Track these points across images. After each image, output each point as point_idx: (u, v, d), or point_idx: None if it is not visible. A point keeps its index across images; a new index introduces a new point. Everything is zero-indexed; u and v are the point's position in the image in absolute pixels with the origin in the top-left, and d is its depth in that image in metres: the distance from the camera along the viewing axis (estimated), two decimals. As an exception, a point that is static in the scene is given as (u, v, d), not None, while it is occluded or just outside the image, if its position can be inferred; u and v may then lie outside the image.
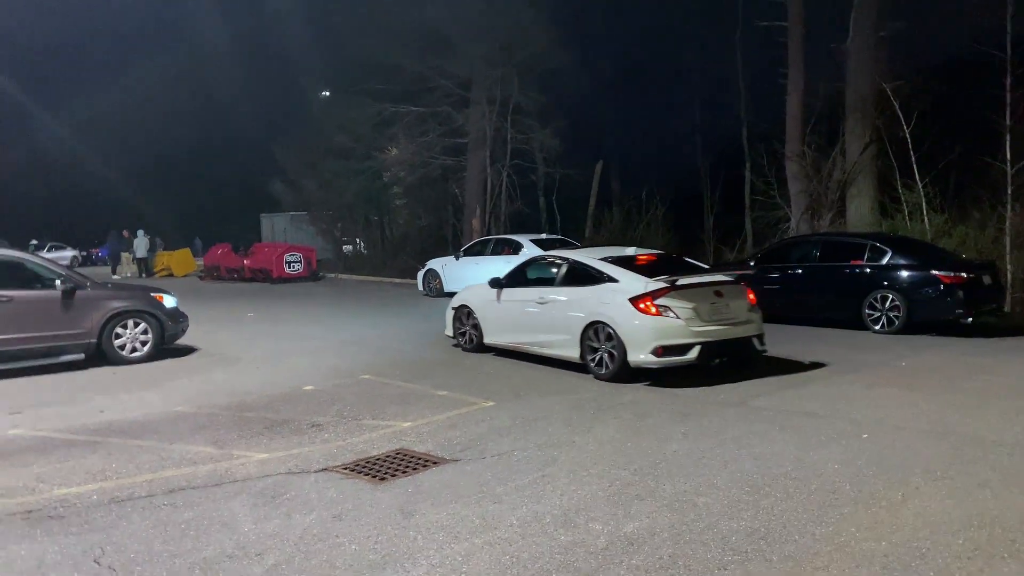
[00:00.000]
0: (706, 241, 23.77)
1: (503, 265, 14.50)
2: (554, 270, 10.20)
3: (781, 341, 11.55)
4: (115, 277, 30.50)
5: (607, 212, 24.53)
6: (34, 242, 45.35)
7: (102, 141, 55.76)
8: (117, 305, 10.57)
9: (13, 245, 26.86)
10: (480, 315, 10.96)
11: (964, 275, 11.76)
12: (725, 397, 8.01)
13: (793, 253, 13.98)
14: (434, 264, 19.90)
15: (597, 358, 9.06)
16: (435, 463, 6.04)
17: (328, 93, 31.08)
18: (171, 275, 30.68)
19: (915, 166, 16.76)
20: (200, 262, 31.19)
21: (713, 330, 8.74)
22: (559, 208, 26.65)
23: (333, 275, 28.22)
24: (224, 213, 51.48)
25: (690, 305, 8.65)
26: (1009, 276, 14.26)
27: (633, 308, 8.67)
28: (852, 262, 12.66)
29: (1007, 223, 14.87)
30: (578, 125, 25.77)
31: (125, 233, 32.62)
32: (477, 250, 18.95)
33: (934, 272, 11.88)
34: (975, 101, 16.37)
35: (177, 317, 11.27)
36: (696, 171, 26.01)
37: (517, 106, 24.45)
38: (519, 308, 10.27)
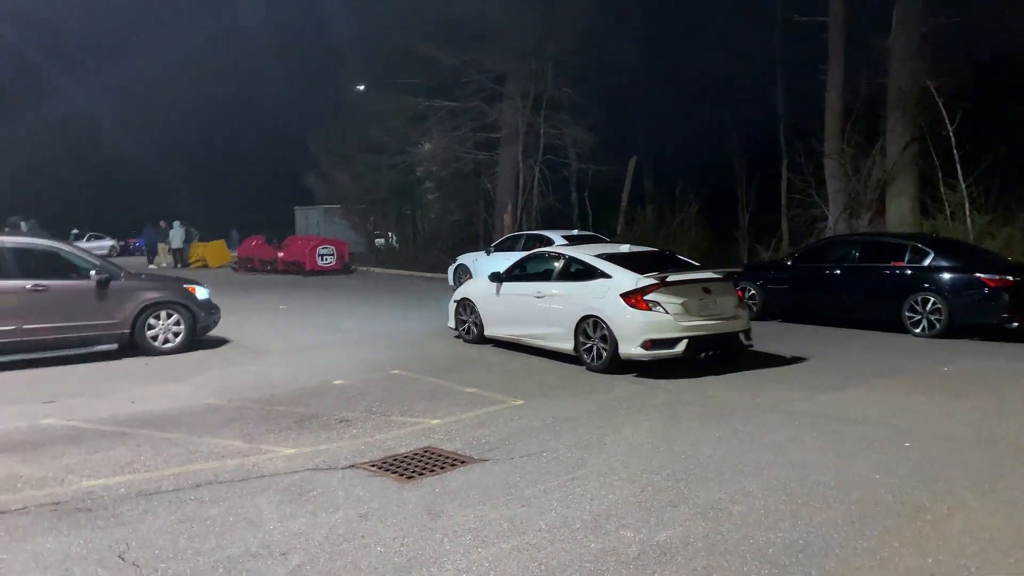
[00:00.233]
0: (740, 240, 23.44)
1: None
2: (551, 265, 10.57)
3: (818, 343, 11.33)
4: (151, 267, 30.92)
5: (640, 209, 24.31)
6: (75, 231, 46.25)
7: (140, 132, 56.57)
8: (150, 296, 10.63)
9: (54, 235, 27.31)
10: (481, 308, 11.36)
11: (1011, 278, 11.39)
12: (761, 401, 7.82)
13: (831, 253, 13.66)
14: (465, 259, 19.84)
15: (590, 350, 9.43)
16: (463, 462, 5.95)
17: (363, 87, 31.15)
18: (206, 266, 31.01)
19: (958, 165, 16.32)
20: (234, 253, 31.47)
21: (700, 325, 9.09)
22: (591, 204, 26.46)
23: (365, 268, 28.32)
24: (259, 205, 51.94)
25: (678, 301, 9.02)
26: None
27: (624, 303, 9.03)
28: (892, 263, 12.34)
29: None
30: (612, 120, 25.54)
31: (162, 224, 33.04)
32: (508, 245, 18.84)
33: (979, 275, 11.51)
34: (1022, 98, 15.89)
35: (209, 308, 11.31)
36: (731, 168, 25.62)
37: (551, 101, 24.30)
38: (518, 302, 10.65)
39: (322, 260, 25.97)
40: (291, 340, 12.22)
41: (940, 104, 16.33)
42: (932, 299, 11.63)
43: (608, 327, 9.14)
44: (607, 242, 18.53)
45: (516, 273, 11.13)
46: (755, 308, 13.66)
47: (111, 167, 57.15)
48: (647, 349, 8.90)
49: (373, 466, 5.88)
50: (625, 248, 10.68)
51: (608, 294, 9.25)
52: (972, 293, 11.48)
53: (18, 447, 6.32)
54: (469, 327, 11.61)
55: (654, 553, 4.24)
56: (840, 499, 5.03)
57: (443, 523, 4.73)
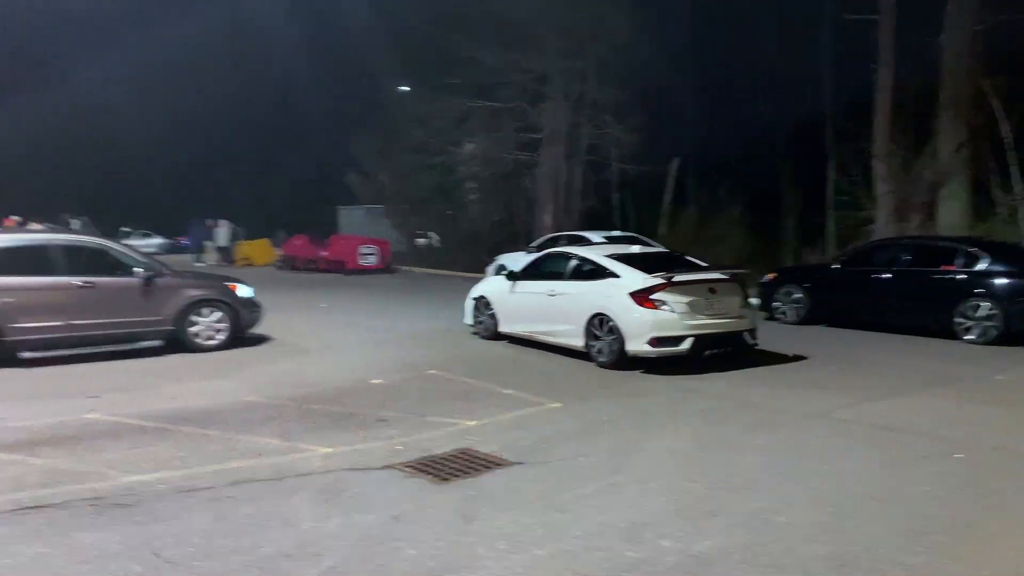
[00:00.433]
0: (786, 242, 23.02)
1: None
2: (563, 265, 10.83)
3: (866, 349, 11.05)
4: (198, 265, 31.43)
5: (682, 210, 24.02)
6: (125, 229, 47.29)
7: (189, 132, 57.75)
8: (194, 293, 10.77)
9: (105, 232, 27.88)
10: (496, 305, 11.75)
11: (1070, 284, 10.97)
12: (806, 408, 7.61)
13: (879, 256, 13.28)
14: (504, 259, 19.80)
15: (599, 347, 9.72)
16: (499, 465, 5.89)
17: (406, 88, 31.34)
18: (251, 264, 31.43)
19: (1014, 167, 15.79)
20: (279, 252, 31.86)
21: (706, 323, 9.36)
22: (633, 205, 26.23)
23: (406, 268, 28.46)
24: (304, 205, 52.62)
25: (685, 300, 9.28)
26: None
27: (632, 302, 9.31)
28: (944, 267, 11.95)
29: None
30: (655, 121, 25.23)
31: (208, 222, 33.58)
32: (548, 246, 18.72)
33: (1036, 280, 11.11)
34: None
35: (251, 306, 11.42)
36: (776, 170, 25.18)
37: (593, 101, 24.16)
38: (531, 300, 11.00)
39: (364, 259, 26.15)
40: (331, 338, 12.29)
41: (995, 104, 15.81)
42: (986, 305, 11.24)
43: (616, 325, 9.42)
44: (648, 244, 18.34)
45: (530, 272, 11.46)
46: (800, 312, 13.38)
47: (161, 166, 58.38)
48: (653, 346, 9.18)
49: (408, 467, 5.85)
50: (636, 248, 11.00)
51: (617, 293, 9.53)
52: (1029, 299, 11.08)
53: (62, 441, 6.42)
54: (485, 323, 11.99)
55: (692, 564, 4.13)
56: (887, 512, 4.86)
57: (477, 527, 4.67)
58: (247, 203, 52.27)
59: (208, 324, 10.84)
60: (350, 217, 38.16)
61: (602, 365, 9.63)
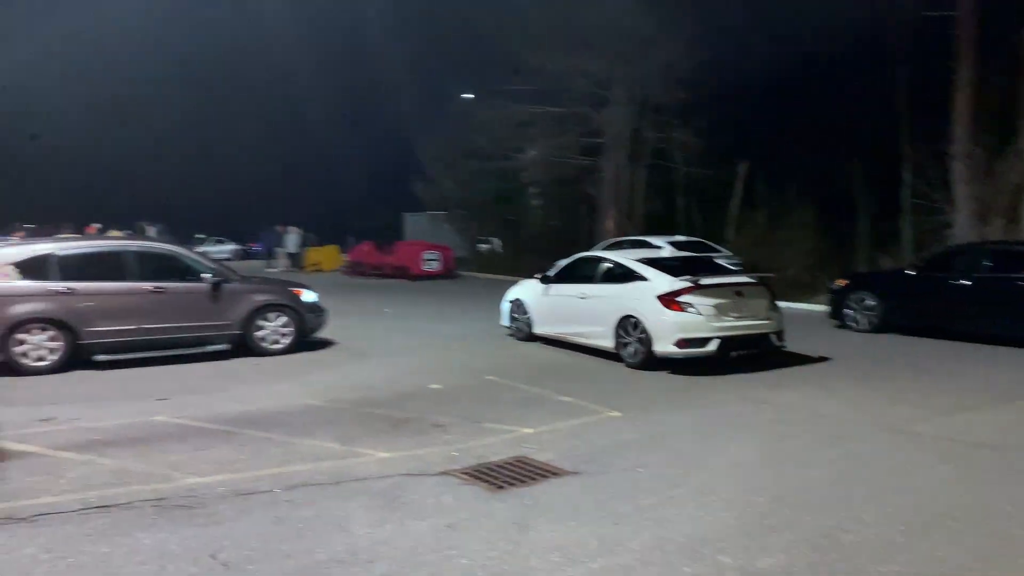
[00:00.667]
0: (859, 247, 22.26)
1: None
2: (594, 269, 11.19)
3: (945, 359, 10.57)
4: (270, 270, 32.16)
5: (750, 214, 23.47)
6: (200, 236, 48.85)
7: (264, 143, 59.45)
8: (260, 299, 10.98)
9: (181, 239, 28.71)
10: (531, 308, 12.20)
11: None
12: (880, 420, 7.30)
13: (958, 262, 12.69)
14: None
15: (628, 348, 10.05)
16: (555, 474, 5.79)
17: (470, 96, 31.54)
18: (320, 270, 32.04)
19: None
20: (346, 258, 32.41)
21: (732, 325, 9.63)
22: (699, 210, 25.76)
23: (468, 273, 28.58)
24: (372, 211, 53.57)
25: (711, 302, 9.55)
26: None
27: (660, 304, 9.62)
28: (1029, 273, 11.36)
29: None
30: (721, 123, 24.73)
31: (279, 229, 34.36)
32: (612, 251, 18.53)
33: None
34: None
35: (316, 311, 11.59)
36: (848, 172, 24.38)
37: (657, 104, 23.82)
38: (564, 302, 11.40)
39: (427, 265, 26.38)
40: (392, 343, 12.39)
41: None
42: (1075, 313, 10.63)
43: (645, 326, 9.74)
44: (714, 249, 18.01)
45: (563, 275, 11.81)
46: (874, 319, 12.89)
47: (238, 175, 60.22)
48: (680, 348, 9.47)
49: (464, 474, 5.81)
50: (666, 253, 11.52)
51: (645, 296, 9.85)
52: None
53: (131, 442, 6.59)
54: (520, 325, 12.44)
55: (754, 583, 3.96)
56: (965, 532, 4.59)
57: (531, 537, 4.59)
58: (319, 210, 53.51)
59: (273, 328, 11.03)
60: (415, 223, 38.58)
61: (631, 366, 9.96)
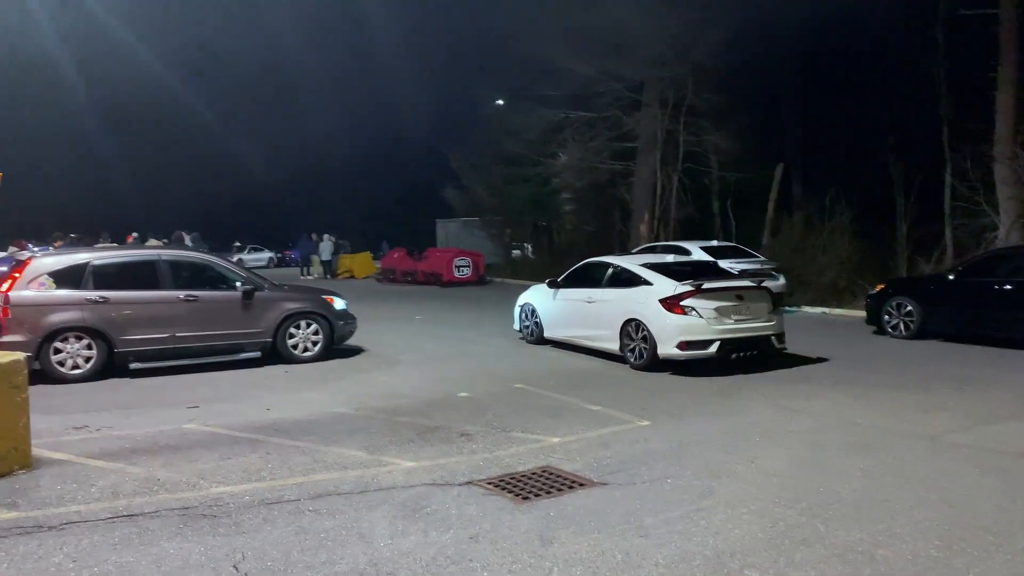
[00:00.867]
0: (899, 251, 21.78)
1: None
2: (601, 273, 11.52)
3: (986, 366, 10.28)
4: (306, 278, 32.48)
5: (786, 218, 23.10)
6: (236, 244, 49.59)
7: (299, 153, 60.21)
8: (291, 306, 11.07)
9: (218, 247, 29.02)
10: (541, 312, 12.61)
11: None
12: (916, 429, 7.10)
13: (1002, 266, 12.34)
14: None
15: (633, 350, 10.40)
16: (582, 484, 5.72)
17: (502, 101, 31.59)
18: (352, 277, 32.30)
19: None
20: (379, 265, 32.62)
21: (732, 328, 9.95)
22: (734, 213, 25.43)
23: (500, 279, 28.56)
24: (405, 218, 54.00)
25: (712, 306, 9.88)
26: None
27: (663, 308, 9.95)
28: (1075, 278, 11.00)
29: None
30: (756, 126, 24.43)
31: (313, 236, 34.72)
32: (642, 257, 18.37)
33: None
34: None
35: (346, 318, 11.65)
36: (887, 175, 23.90)
37: (690, 107, 23.58)
38: (572, 306, 11.77)
39: (459, 272, 26.43)
40: (422, 350, 12.40)
41: None
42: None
43: (648, 329, 10.10)
44: (749, 254, 17.76)
45: (571, 280, 12.17)
46: (912, 325, 12.59)
47: (274, 185, 61.13)
48: (682, 350, 9.81)
49: (490, 484, 5.76)
50: (670, 258, 11.95)
51: (649, 300, 10.20)
52: None
53: (160, 450, 6.65)
54: (531, 329, 12.85)
55: (781, 599, 3.86)
56: (1004, 547, 4.42)
57: (554, 550, 4.52)
58: (353, 218, 54.07)
59: (304, 336, 11.11)
60: (447, 230, 38.74)
61: (636, 367, 10.30)
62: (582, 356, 11.52)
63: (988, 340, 11.63)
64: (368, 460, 6.37)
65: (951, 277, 12.56)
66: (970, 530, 4.69)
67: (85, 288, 9.87)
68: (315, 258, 34.51)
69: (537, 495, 5.50)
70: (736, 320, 10.03)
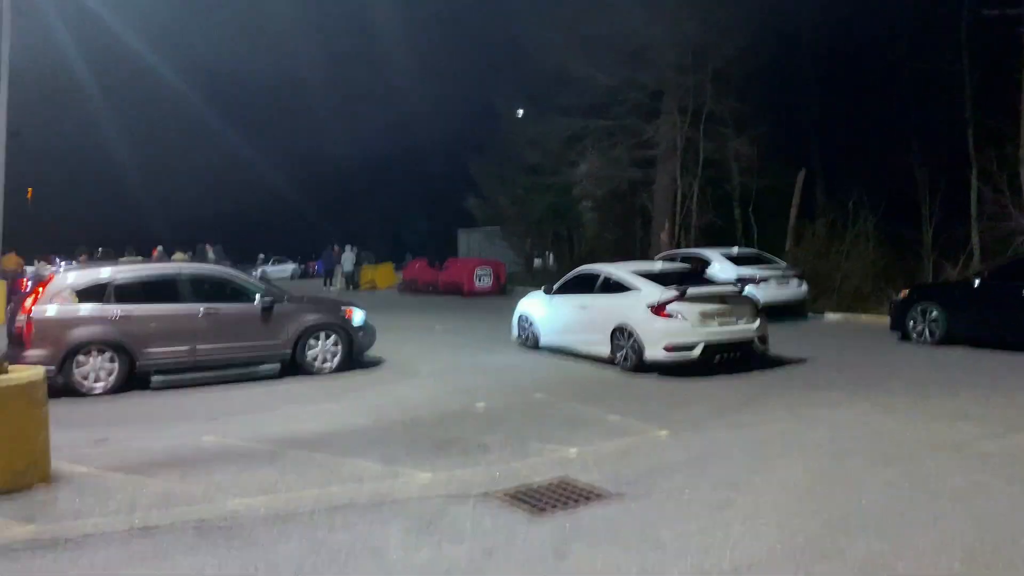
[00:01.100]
0: (924, 255, 21.46)
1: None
2: (593, 280, 11.97)
3: (1014, 373, 10.06)
4: (330, 289, 32.63)
5: (809, 224, 22.87)
6: (261, 256, 50.00)
7: (325, 165, 60.83)
8: (310, 319, 11.11)
9: (244, 259, 29.16)
10: (537, 319, 13.05)
11: None
12: (942, 439, 6.96)
13: (1028, 271, 12.13)
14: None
15: (622, 354, 10.84)
16: (598, 497, 5.66)
17: (521, 111, 31.64)
18: (375, 288, 32.42)
19: None
20: (400, 276, 32.73)
21: (716, 331, 10.42)
22: (756, 220, 25.21)
23: (522, 288, 28.48)
24: (429, 229, 54.31)
25: (696, 310, 10.37)
26: None
27: (649, 313, 10.45)
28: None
29: None
30: (778, 132, 24.22)
31: (335, 248, 34.89)
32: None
33: None
34: None
35: (365, 330, 11.66)
36: (912, 178, 23.59)
37: (710, 114, 23.43)
38: (565, 313, 12.31)
39: (479, 281, 26.44)
40: (441, 361, 12.40)
41: None
42: None
43: (636, 333, 10.56)
44: (772, 261, 17.60)
45: (565, 288, 12.63)
46: (938, 332, 12.37)
47: (299, 197, 61.71)
48: (668, 352, 10.26)
49: (506, 496, 5.71)
50: (658, 265, 12.57)
51: (637, 305, 10.69)
52: None
53: (178, 464, 6.68)
54: (528, 336, 13.26)
55: (799, 615, 3.77)
56: (1033, 562, 4.30)
57: (568, 565, 4.47)
58: (377, 229, 54.43)
59: (324, 348, 11.14)
60: (469, 239, 38.80)
61: (624, 369, 10.76)
62: (600, 365, 11.43)
63: (1015, 346, 11.38)
64: (384, 472, 6.35)
65: (977, 282, 12.34)
66: (997, 544, 4.57)
67: (107, 303, 9.97)
68: (338, 269, 34.67)
69: (553, 508, 5.45)
70: (719, 324, 10.50)
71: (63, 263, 16.05)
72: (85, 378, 9.75)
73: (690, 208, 24.07)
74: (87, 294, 9.94)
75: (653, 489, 5.78)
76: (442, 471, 6.36)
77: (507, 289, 27.68)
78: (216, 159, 59.31)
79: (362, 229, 50.44)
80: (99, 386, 9.79)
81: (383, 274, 33.55)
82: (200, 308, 10.37)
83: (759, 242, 23.37)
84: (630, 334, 10.66)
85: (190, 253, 24.23)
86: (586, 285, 12.06)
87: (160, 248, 24.54)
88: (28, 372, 6.06)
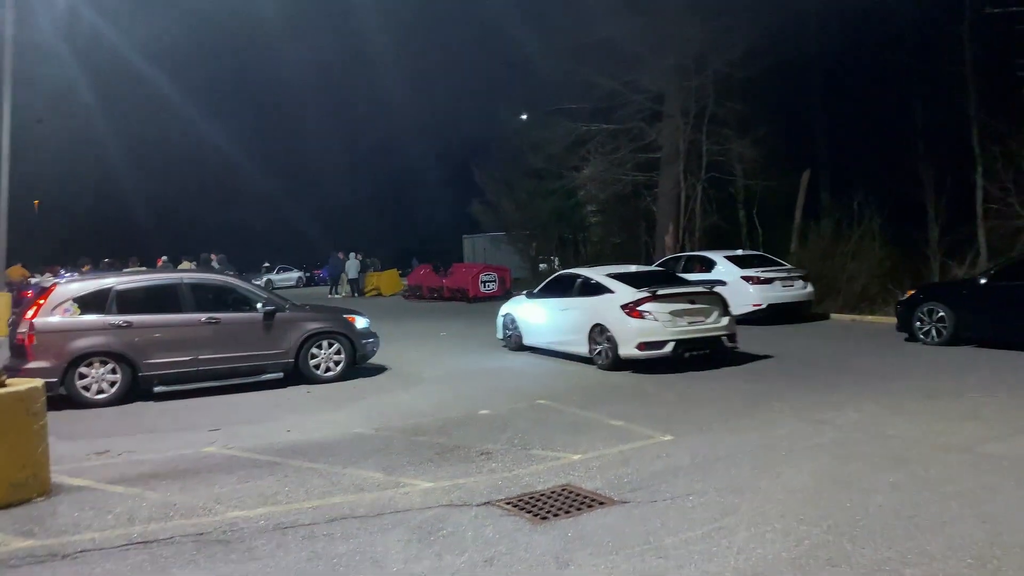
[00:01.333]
0: (930, 255, 21.34)
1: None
2: (571, 283, 12.55)
3: (1022, 372, 9.94)
4: (334, 296, 32.59)
5: (814, 225, 22.77)
6: (266, 264, 50.08)
7: (331, 174, 60.97)
8: (312, 326, 11.07)
9: (248, 267, 29.00)
10: (520, 321, 13.56)
11: None
12: (949, 441, 6.87)
13: (1036, 269, 12.01)
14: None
15: (599, 352, 11.40)
16: (601, 503, 5.59)
17: (525, 116, 31.64)
18: (380, 294, 32.40)
19: None
20: (405, 282, 32.69)
21: (685, 330, 10.97)
22: (760, 221, 25.11)
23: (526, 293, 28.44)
24: (435, 235, 54.35)
25: (667, 310, 10.92)
26: None
27: (623, 313, 10.96)
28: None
29: None
30: (781, 133, 24.13)
31: (340, 255, 34.90)
32: (668, 267, 18.16)
33: None
34: None
35: (368, 337, 11.62)
36: (917, 178, 23.46)
37: (713, 116, 23.37)
38: (546, 314, 12.82)
39: (484, 287, 26.38)
40: (445, 367, 12.35)
41: None
42: None
43: (611, 332, 11.10)
44: (776, 262, 17.51)
45: (546, 291, 13.25)
46: (945, 332, 12.26)
47: (306, 205, 61.87)
48: (641, 350, 10.80)
49: (508, 504, 5.66)
50: (633, 268, 13.15)
51: (612, 306, 11.20)
52: None
53: (179, 475, 6.64)
54: (512, 337, 13.73)
55: (804, 624, 3.70)
56: (1043, 566, 4.22)
57: (570, 573, 4.40)
58: (383, 236, 54.49)
59: (326, 356, 11.10)
60: (474, 245, 38.78)
61: (601, 368, 11.30)
62: (603, 369, 11.37)
63: (1019, 345, 11.27)
64: (385, 481, 6.30)
65: (983, 281, 12.22)
66: (1006, 547, 4.48)
67: (109, 313, 9.96)
68: (344, 276, 34.66)
69: (555, 515, 5.39)
70: (689, 322, 11.03)
71: (68, 274, 16.04)
72: (88, 389, 9.74)
73: (694, 211, 23.99)
74: (89, 304, 9.93)
75: (656, 495, 5.71)
76: (444, 479, 6.30)
77: (513, 294, 27.61)
78: (221, 169, 59.53)
79: (369, 236, 50.53)
80: (102, 397, 9.78)
81: (388, 280, 33.53)
82: (202, 317, 10.35)
83: (764, 244, 23.28)
84: (606, 333, 11.18)
85: (194, 262, 24.17)
86: (565, 288, 12.61)
87: (165, 258, 24.54)
88: (26, 384, 6.03)
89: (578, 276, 12.57)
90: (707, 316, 11.23)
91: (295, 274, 51.05)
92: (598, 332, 11.37)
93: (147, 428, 8.62)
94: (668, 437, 7.37)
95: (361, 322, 11.64)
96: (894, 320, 13.75)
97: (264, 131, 63.81)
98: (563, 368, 11.87)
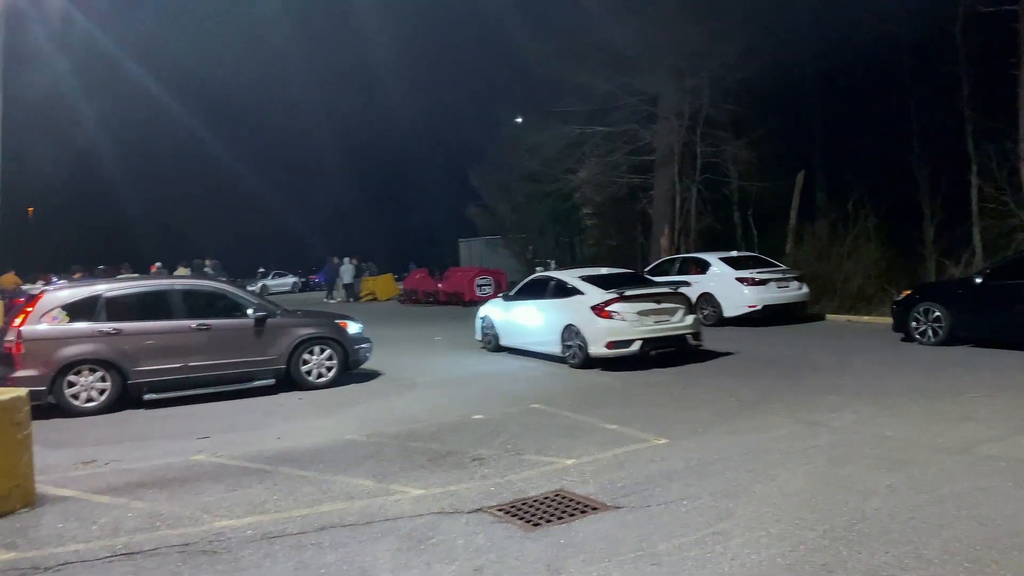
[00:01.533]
0: (926, 255, 21.30)
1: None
2: (545, 286, 13.04)
3: (1019, 372, 9.88)
4: (329, 301, 32.49)
5: (810, 225, 22.72)
6: (261, 270, 49.93)
7: (326, 179, 60.89)
8: (304, 332, 10.97)
9: (243, 272, 28.82)
10: (496, 323, 13.97)
11: None
12: (946, 442, 6.79)
13: (1031, 268, 11.95)
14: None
15: (571, 352, 11.83)
16: (595, 509, 5.51)
17: (520, 119, 31.58)
18: (375, 299, 32.28)
19: None
20: (401, 286, 32.58)
21: (652, 329, 11.44)
22: (755, 223, 25.08)
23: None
24: (431, 239, 54.27)
25: (634, 310, 11.38)
26: None
27: (593, 314, 11.42)
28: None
29: None
30: (776, 134, 24.09)
31: (335, 260, 34.78)
32: (664, 269, 18.16)
33: None
34: None
35: (361, 342, 11.52)
36: (912, 177, 23.44)
37: (707, 118, 23.34)
38: (521, 316, 13.24)
39: (480, 290, 26.25)
40: (439, 372, 12.27)
41: None
42: None
43: (581, 332, 11.55)
44: (771, 263, 17.45)
45: (521, 293, 13.70)
46: (941, 332, 12.20)
47: (302, 210, 61.77)
48: (609, 349, 11.25)
49: (500, 510, 5.57)
50: (604, 270, 13.63)
51: (582, 307, 11.66)
52: None
53: (166, 484, 6.55)
54: (490, 338, 14.13)
55: (800, 632, 3.62)
56: (1043, 570, 4.14)
57: (561, 582, 4.32)
58: (380, 239, 54.42)
59: (318, 362, 11.01)
60: (470, 249, 38.70)
61: (573, 366, 11.73)
62: (596, 372, 11.31)
63: (1020, 345, 11.20)
64: (376, 489, 6.22)
65: (979, 281, 12.15)
66: (1004, 550, 4.41)
67: (98, 320, 9.86)
68: (339, 281, 34.52)
69: (548, 521, 5.31)
70: (655, 322, 11.50)
71: (60, 282, 15.93)
72: (76, 397, 9.63)
73: (689, 212, 23.94)
74: (78, 311, 9.83)
75: (650, 499, 5.64)
76: (436, 486, 6.22)
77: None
78: (217, 174, 59.40)
79: (364, 241, 50.46)
80: (91, 405, 9.67)
81: (383, 285, 33.41)
82: (192, 324, 10.25)
83: (759, 245, 23.25)
84: (577, 333, 11.62)
85: (190, 268, 24.08)
86: (539, 291, 13.08)
87: (159, 264, 24.44)
88: (9, 394, 5.94)
89: (551, 279, 13.08)
90: (672, 315, 11.70)
91: (290, 279, 50.93)
92: (569, 332, 11.78)
93: (136, 436, 8.52)
94: (662, 440, 7.29)
95: (353, 327, 11.55)
96: (890, 320, 13.69)
97: (259, 136, 63.72)
98: (556, 371, 11.79)
